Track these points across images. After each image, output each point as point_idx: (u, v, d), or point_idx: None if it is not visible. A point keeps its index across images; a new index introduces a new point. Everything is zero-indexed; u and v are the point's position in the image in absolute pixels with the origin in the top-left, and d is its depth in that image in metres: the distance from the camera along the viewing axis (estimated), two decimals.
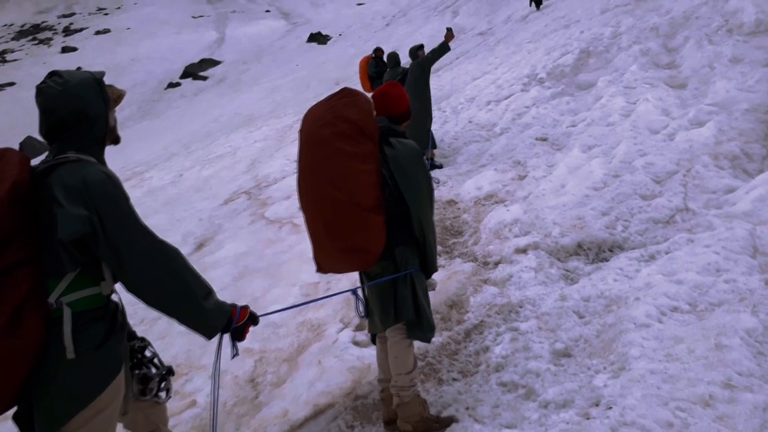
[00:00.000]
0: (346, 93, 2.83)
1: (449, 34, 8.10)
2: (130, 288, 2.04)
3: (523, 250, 4.68)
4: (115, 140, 2.30)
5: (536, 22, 17.15)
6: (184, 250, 6.77)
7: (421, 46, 8.58)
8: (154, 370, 2.35)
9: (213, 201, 8.82)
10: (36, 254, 1.94)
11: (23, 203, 1.92)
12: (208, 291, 2.18)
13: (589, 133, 6.91)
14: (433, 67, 13.49)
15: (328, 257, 2.89)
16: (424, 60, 8.17)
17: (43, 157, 2.17)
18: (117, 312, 2.14)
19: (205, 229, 7.42)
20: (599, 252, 4.49)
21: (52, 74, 2.17)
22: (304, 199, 2.88)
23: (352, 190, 2.66)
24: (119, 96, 2.32)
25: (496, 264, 4.66)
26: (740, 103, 6.14)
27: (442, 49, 8.14)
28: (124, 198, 2.03)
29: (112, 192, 2.00)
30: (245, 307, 2.30)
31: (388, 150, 2.81)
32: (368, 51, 25.11)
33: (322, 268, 2.97)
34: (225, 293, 5.27)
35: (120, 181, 2.07)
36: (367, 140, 2.72)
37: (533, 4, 21.33)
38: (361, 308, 3.09)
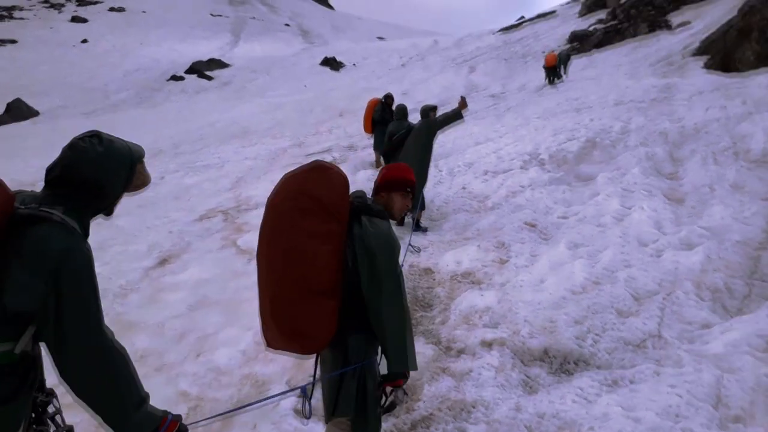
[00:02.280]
0: (317, 167, 2.74)
1: (463, 102, 8.16)
2: (60, 372, 1.97)
3: (488, 344, 4.64)
4: (109, 213, 2.28)
5: (549, 97, 17.45)
6: (146, 263, 6.70)
7: (435, 108, 8.66)
8: (52, 429, 2.22)
9: (188, 214, 8.74)
10: None
11: None
12: (141, 399, 2.10)
13: (578, 230, 6.97)
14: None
15: (272, 335, 2.76)
16: (433, 123, 8.22)
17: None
18: (32, 368, 2.05)
19: (173, 244, 7.32)
20: (564, 363, 4.46)
21: (93, 135, 2.16)
22: (258, 268, 2.78)
23: (304, 270, 2.58)
24: (142, 185, 2.34)
25: (459, 353, 4.62)
26: (733, 233, 6.23)
27: (456, 117, 8.18)
28: (91, 284, 2.00)
29: (82, 275, 1.96)
30: (175, 420, 2.16)
31: (356, 229, 2.71)
32: (379, 88, 25.54)
33: (268, 344, 2.82)
34: (177, 322, 5.18)
35: (93, 261, 2.03)
36: (331, 219, 2.63)
37: (549, 79, 21.78)
38: (307, 410, 2.88)
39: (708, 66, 16.71)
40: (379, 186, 3.13)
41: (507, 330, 4.82)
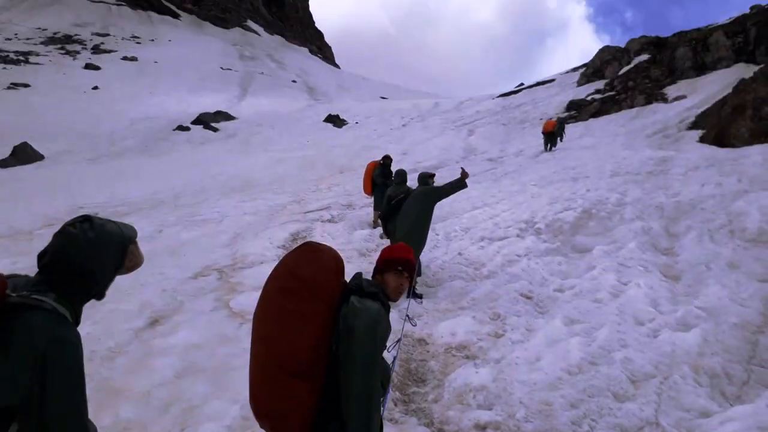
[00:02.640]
0: (308, 248, 2.73)
1: (464, 173, 8.12)
2: None
3: (483, 427, 4.46)
4: (100, 298, 2.24)
5: (546, 164, 17.56)
6: (137, 323, 6.53)
7: (432, 175, 8.64)
8: None
9: (183, 271, 8.59)
10: None
11: None
12: None
13: (574, 304, 6.85)
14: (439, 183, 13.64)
15: (254, 412, 2.66)
16: (437, 191, 8.14)
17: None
18: None
19: (166, 304, 7.15)
20: None
21: (84, 220, 2.15)
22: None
23: (282, 350, 2.50)
24: (134, 266, 2.32)
25: None
26: (730, 315, 6.12)
27: (460, 187, 8.09)
28: (77, 379, 1.94)
29: (68, 369, 1.90)
30: None
31: (344, 309, 2.63)
32: (380, 146, 25.76)
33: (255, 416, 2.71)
34: (163, 390, 4.99)
35: (81, 351, 1.98)
36: (317, 300, 2.56)
37: (548, 147, 22.00)
38: None
39: (703, 140, 16.91)
40: (375, 268, 3.10)
41: (502, 413, 4.65)
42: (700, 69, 30.20)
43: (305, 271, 2.61)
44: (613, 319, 6.25)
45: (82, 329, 6.01)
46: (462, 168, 8.23)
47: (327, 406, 2.56)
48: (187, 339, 6.03)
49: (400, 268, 3.03)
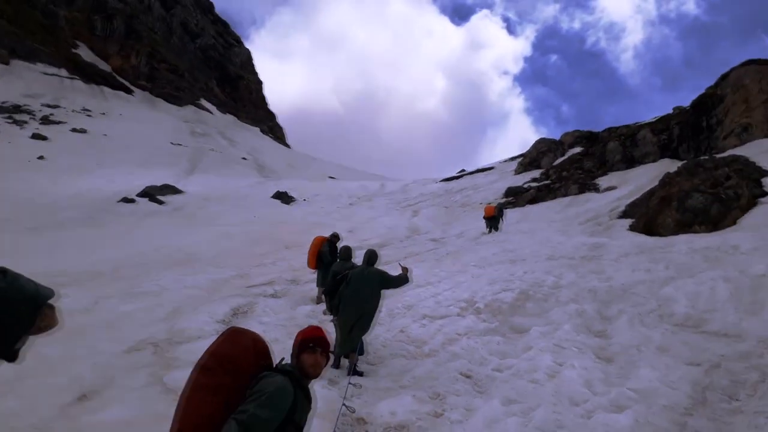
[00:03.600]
0: (230, 330, 2.98)
1: (405, 269, 8.21)
2: None
3: None
4: (11, 358, 2.10)
5: (486, 246, 17.88)
6: (64, 398, 6.12)
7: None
8: None
9: (117, 345, 8.18)
10: None
11: None
12: None
13: (512, 384, 6.80)
14: (382, 261, 13.72)
15: None
16: (389, 280, 8.15)
17: None
18: None
19: (97, 378, 6.75)
20: None
21: (1, 271, 2.13)
22: None
23: (185, 419, 2.66)
24: (46, 327, 2.27)
25: None
26: (660, 398, 6.18)
27: (406, 281, 8.25)
28: None
29: None
30: None
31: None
32: (328, 224, 25.79)
33: None
34: None
35: None
36: (226, 374, 2.76)
37: (490, 229, 22.51)
38: None
39: (633, 228, 17.61)
40: (291, 353, 3.28)
41: None
42: (630, 162, 31.92)
43: (222, 350, 2.84)
44: (550, 400, 6.23)
45: (4, 404, 5.61)
46: (402, 265, 8.31)
47: None
48: (118, 415, 5.67)
49: (311, 344, 3.20)
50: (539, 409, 6.00)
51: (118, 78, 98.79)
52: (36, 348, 7.78)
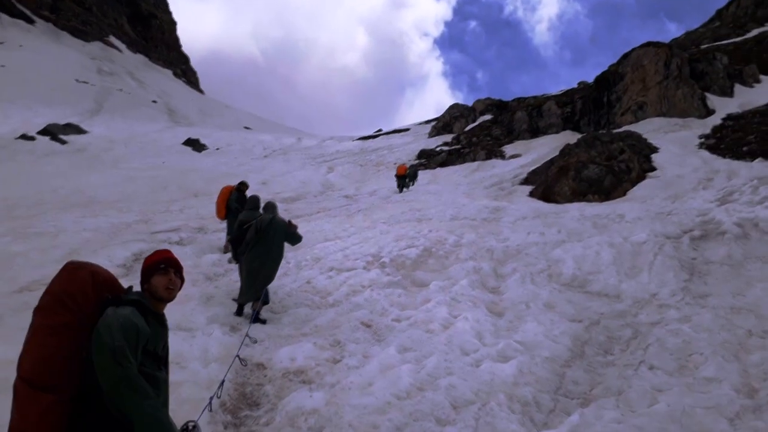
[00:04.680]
0: (67, 265, 2.75)
1: (295, 227, 8.30)
2: None
3: None
4: None
5: (396, 205, 18.12)
6: None
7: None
8: None
9: (8, 284, 7.76)
10: None
11: None
12: None
13: (408, 334, 7.03)
14: (293, 214, 13.59)
15: None
16: (292, 229, 8.20)
17: None
18: None
19: None
20: None
21: None
22: None
23: (26, 363, 2.47)
24: None
25: None
26: (543, 350, 6.59)
27: (300, 240, 8.51)
28: None
29: None
30: None
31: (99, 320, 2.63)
32: (240, 174, 25.22)
33: None
34: None
35: None
36: (66, 312, 2.56)
37: (401, 188, 22.83)
38: None
39: (532, 194, 18.34)
40: (141, 281, 3.04)
41: None
42: (535, 132, 33.02)
43: (56, 287, 2.64)
44: (442, 349, 6.50)
45: None
46: (291, 222, 8.33)
47: (80, 416, 2.50)
48: (3, 354, 5.40)
49: (162, 266, 3.01)
50: (432, 358, 6.26)
51: (17, 5, 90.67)
52: None
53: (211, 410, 4.22)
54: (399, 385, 5.55)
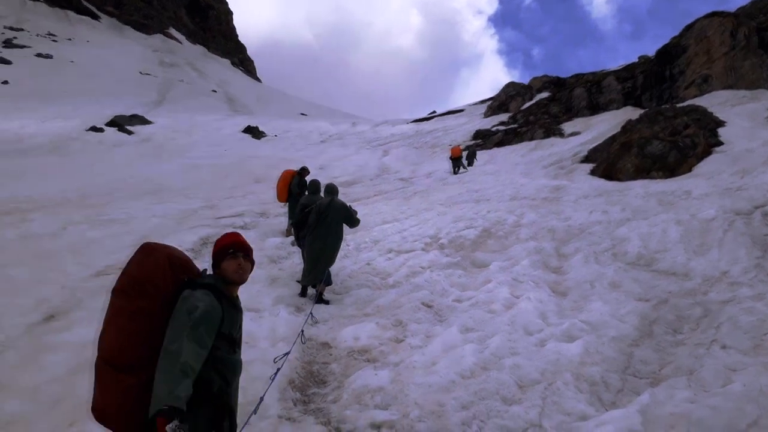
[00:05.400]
0: (141, 250, 2.78)
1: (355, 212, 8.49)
2: None
3: (378, 426, 4.44)
4: None
5: (453, 187, 17.99)
6: (30, 318, 6.09)
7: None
8: None
9: (85, 269, 8.11)
10: None
11: None
12: None
13: (470, 314, 6.99)
14: (351, 198, 13.68)
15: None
16: (348, 215, 8.27)
17: None
18: None
19: (63, 300, 6.72)
20: None
21: None
22: None
23: (108, 346, 2.55)
24: None
25: None
26: (609, 330, 6.42)
27: (358, 223, 8.56)
28: None
29: None
30: None
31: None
32: (298, 160, 25.51)
33: None
34: (54, 387, 4.66)
35: None
36: (144, 297, 2.59)
37: (454, 170, 22.62)
38: None
39: (593, 173, 17.84)
40: (212, 265, 3.08)
41: (397, 412, 4.64)
42: (594, 108, 32.05)
43: (134, 270, 2.67)
44: (505, 329, 6.43)
45: None
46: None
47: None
48: (84, 336, 5.67)
49: (231, 250, 3.03)
50: (495, 337, 6.20)
51: (84, 2, 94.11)
52: (3, 269, 7.68)
53: (271, 380, 4.25)
54: (463, 365, 5.53)
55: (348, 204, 8.46)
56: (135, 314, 2.56)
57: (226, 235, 3.17)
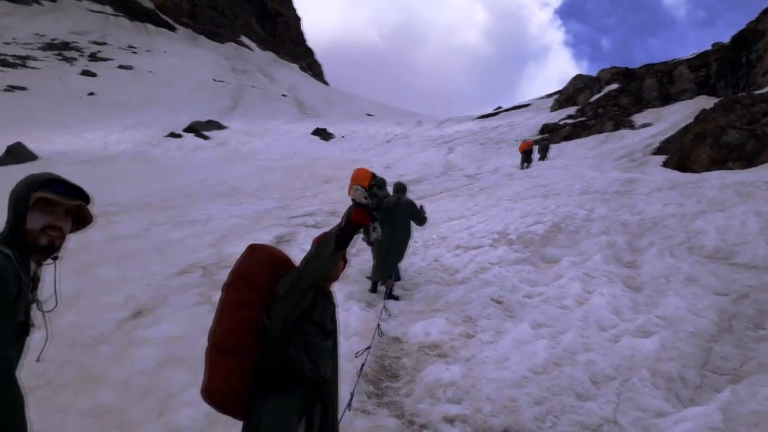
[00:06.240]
0: (247, 249, 3.07)
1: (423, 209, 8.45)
2: None
3: (450, 420, 4.46)
4: (36, 248, 2.16)
5: (520, 182, 17.72)
6: (120, 314, 6.44)
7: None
8: None
9: (169, 267, 8.50)
10: None
11: None
12: None
13: (542, 310, 6.89)
14: (417, 196, 13.71)
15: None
16: (415, 211, 8.35)
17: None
18: None
19: (150, 297, 7.07)
20: None
21: None
22: None
23: (218, 332, 2.82)
24: (43, 201, 2.21)
25: (421, 428, 4.42)
26: (686, 324, 6.19)
27: (425, 221, 8.55)
28: None
29: None
30: None
31: None
32: (365, 159, 25.77)
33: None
34: (143, 378, 4.92)
35: (6, 283, 1.94)
36: (250, 289, 2.87)
37: (523, 165, 22.26)
38: None
39: (666, 164, 17.19)
40: None
41: (469, 407, 4.65)
42: (666, 99, 30.81)
43: (241, 268, 2.94)
44: (578, 325, 6.30)
45: (65, 318, 5.92)
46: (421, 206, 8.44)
47: (262, 380, 2.80)
48: (169, 331, 5.97)
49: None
50: (567, 333, 6.09)
51: (161, 15, 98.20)
52: (91, 270, 8.15)
53: (359, 376, 4.38)
54: (535, 360, 5.47)
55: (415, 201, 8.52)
56: (241, 304, 2.83)
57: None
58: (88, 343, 5.56)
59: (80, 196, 2.31)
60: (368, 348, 4.68)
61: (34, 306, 2.15)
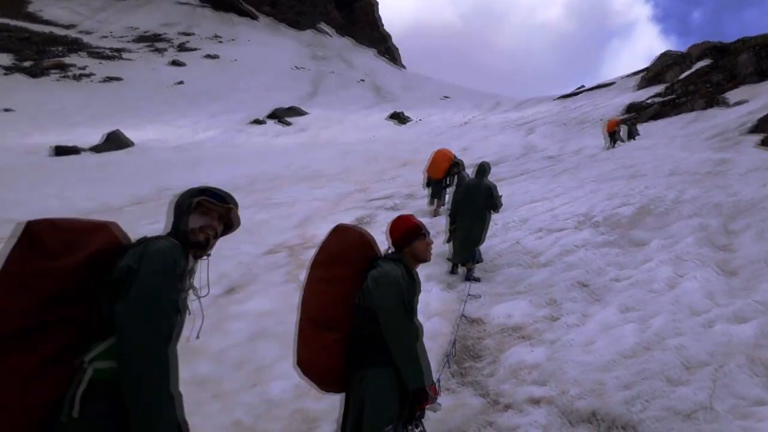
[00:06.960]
0: (337, 228, 3.21)
1: None
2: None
3: (536, 401, 4.42)
4: (194, 244, 2.46)
5: (604, 163, 17.10)
6: (215, 290, 6.73)
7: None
8: None
9: (257, 247, 8.84)
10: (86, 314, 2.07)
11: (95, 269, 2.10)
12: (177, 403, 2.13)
13: (630, 293, 6.66)
14: (497, 178, 13.53)
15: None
16: (492, 195, 8.34)
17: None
18: None
19: (241, 275, 7.39)
20: (611, 427, 4.18)
21: None
22: None
23: (312, 307, 2.99)
24: (200, 205, 2.52)
25: (506, 407, 4.41)
26: None
27: (499, 207, 8.63)
28: (160, 273, 2.14)
29: (153, 261, 2.15)
30: None
31: (371, 272, 3.01)
32: (442, 142, 25.64)
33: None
34: (235, 351, 5.16)
35: (172, 263, 2.21)
36: (341, 266, 3.01)
37: (613, 144, 21.45)
38: None
39: (764, 143, 16.09)
40: (397, 246, 3.33)
41: (555, 389, 4.59)
42: (763, 74, 28.75)
43: (332, 246, 3.10)
44: (669, 309, 6.05)
45: None
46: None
47: (355, 353, 2.93)
48: (260, 306, 6.22)
49: (423, 232, 3.36)
50: (658, 317, 5.86)
51: (244, 4, 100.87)
52: None
53: (449, 366, 4.41)
54: (623, 344, 5.31)
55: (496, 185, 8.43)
56: (332, 280, 2.97)
57: (404, 218, 3.47)
58: (186, 318, 5.87)
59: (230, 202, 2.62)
60: (454, 342, 4.82)
61: (189, 293, 2.48)
